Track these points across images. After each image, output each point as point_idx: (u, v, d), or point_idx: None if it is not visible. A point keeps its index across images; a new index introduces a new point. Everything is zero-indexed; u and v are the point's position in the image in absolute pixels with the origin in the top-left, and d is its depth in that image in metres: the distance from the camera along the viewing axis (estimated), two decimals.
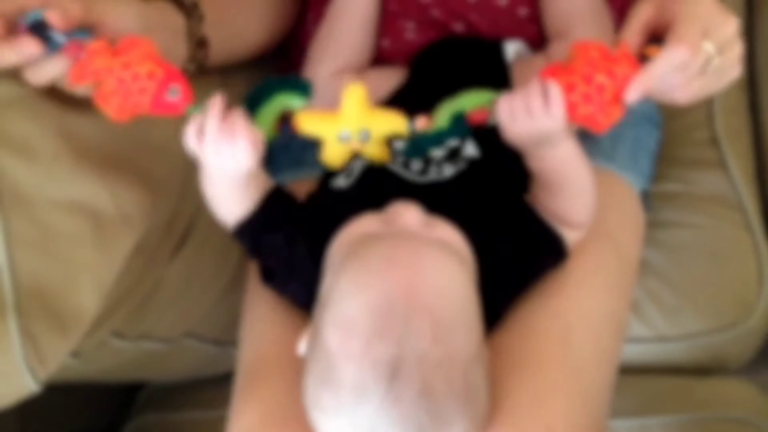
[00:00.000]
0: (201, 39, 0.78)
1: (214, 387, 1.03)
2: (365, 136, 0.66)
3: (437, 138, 0.68)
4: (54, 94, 0.67)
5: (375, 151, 0.68)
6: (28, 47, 0.62)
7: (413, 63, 0.83)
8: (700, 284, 1.00)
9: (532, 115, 0.63)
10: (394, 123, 0.66)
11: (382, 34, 0.86)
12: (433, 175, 0.72)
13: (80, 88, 0.66)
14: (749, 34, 1.11)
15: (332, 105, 0.77)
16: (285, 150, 0.91)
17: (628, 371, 0.99)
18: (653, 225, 0.99)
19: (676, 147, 1.05)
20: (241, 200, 0.70)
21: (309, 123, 0.66)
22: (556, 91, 0.63)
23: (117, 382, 1.09)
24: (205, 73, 0.80)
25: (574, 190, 0.69)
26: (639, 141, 0.92)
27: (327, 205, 0.73)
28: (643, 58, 0.65)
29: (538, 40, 0.84)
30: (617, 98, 0.64)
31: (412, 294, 0.58)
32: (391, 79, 0.81)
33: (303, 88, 0.67)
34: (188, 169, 0.83)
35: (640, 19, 0.66)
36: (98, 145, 0.70)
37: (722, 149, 1.06)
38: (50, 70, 0.64)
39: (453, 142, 0.72)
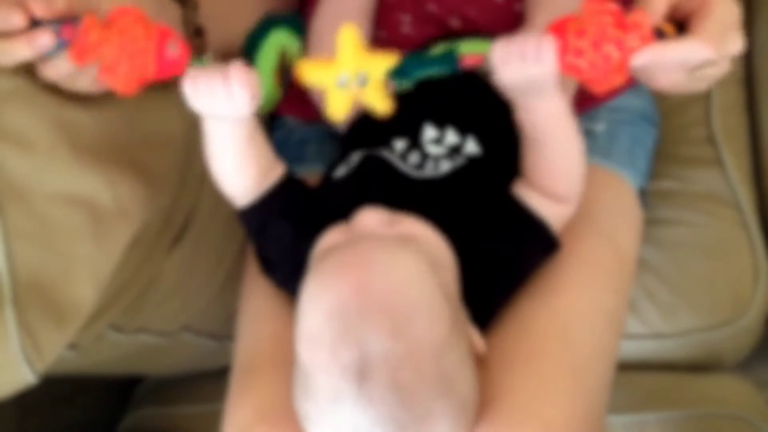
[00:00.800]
0: (198, 28, 0.78)
1: (212, 381, 1.03)
2: (363, 80, 0.66)
3: (425, 64, 0.68)
4: (52, 86, 0.67)
5: (375, 99, 0.67)
6: (42, 41, 0.62)
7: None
8: (696, 282, 1.00)
9: (524, 59, 0.63)
10: (390, 61, 0.66)
11: (378, 26, 0.85)
12: (429, 170, 0.72)
13: (83, 81, 0.66)
14: (747, 32, 1.10)
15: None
16: (283, 145, 0.91)
17: (624, 368, 0.99)
18: (650, 222, 0.99)
19: (673, 145, 1.06)
20: (246, 167, 0.69)
21: (309, 71, 0.66)
22: (550, 42, 0.63)
23: (115, 375, 1.09)
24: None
25: (559, 148, 0.69)
26: (636, 139, 0.92)
27: (326, 196, 0.73)
28: (657, 33, 0.64)
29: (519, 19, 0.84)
30: (623, 67, 0.63)
31: (364, 294, 0.59)
32: None
33: (296, 25, 0.66)
34: (186, 162, 0.84)
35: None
36: (96, 137, 0.70)
37: (719, 147, 1.06)
38: (64, 65, 0.64)
39: (437, 70, 0.70)
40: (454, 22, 0.85)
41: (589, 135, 0.90)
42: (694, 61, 0.63)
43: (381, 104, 0.67)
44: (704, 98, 1.06)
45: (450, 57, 0.67)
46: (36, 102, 0.67)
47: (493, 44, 0.65)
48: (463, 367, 0.62)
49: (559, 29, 0.64)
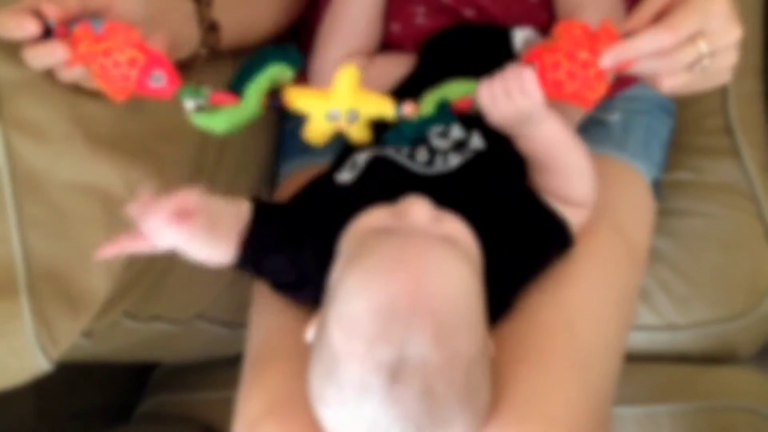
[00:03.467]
0: (212, 23, 0.78)
1: (227, 368, 1.04)
2: (353, 117, 0.68)
3: (422, 125, 0.70)
4: None
5: (359, 133, 0.69)
6: (60, 52, 0.64)
7: (422, 50, 0.83)
8: (711, 273, 1.00)
9: (510, 96, 0.65)
10: (383, 106, 0.68)
11: (391, 19, 0.85)
12: (439, 166, 0.72)
13: (72, 73, 0.67)
14: (765, 23, 1.09)
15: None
16: (293, 137, 0.91)
17: (637, 359, 0.99)
18: (664, 213, 0.98)
19: (688, 135, 1.05)
20: (217, 245, 0.69)
21: (299, 99, 0.67)
22: (529, 72, 0.65)
23: (129, 362, 1.10)
24: (218, 56, 0.80)
25: (566, 167, 0.71)
26: (651, 129, 0.92)
27: (332, 201, 0.72)
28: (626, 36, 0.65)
29: (549, 25, 0.84)
30: (601, 74, 0.65)
31: (416, 298, 0.58)
32: (400, 65, 0.81)
33: (293, 59, 0.67)
34: (199, 153, 0.84)
35: (654, 4, 0.65)
36: (110, 128, 0.71)
37: (735, 137, 1.05)
38: (48, 56, 0.65)
39: (438, 129, 0.73)
40: (468, 12, 0.85)
41: (603, 125, 0.90)
42: (657, 47, 0.63)
43: (363, 139, 0.70)
44: (721, 88, 1.05)
45: (444, 111, 0.69)
46: (51, 93, 0.68)
47: (478, 85, 0.67)
48: (486, 377, 0.63)
49: (534, 55, 0.66)
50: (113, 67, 0.64)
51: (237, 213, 0.70)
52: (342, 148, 0.78)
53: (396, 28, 0.86)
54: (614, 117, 0.90)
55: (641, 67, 0.66)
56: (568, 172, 0.71)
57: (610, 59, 0.64)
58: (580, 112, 0.82)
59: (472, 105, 0.68)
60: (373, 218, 0.66)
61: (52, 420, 1.08)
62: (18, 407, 1.03)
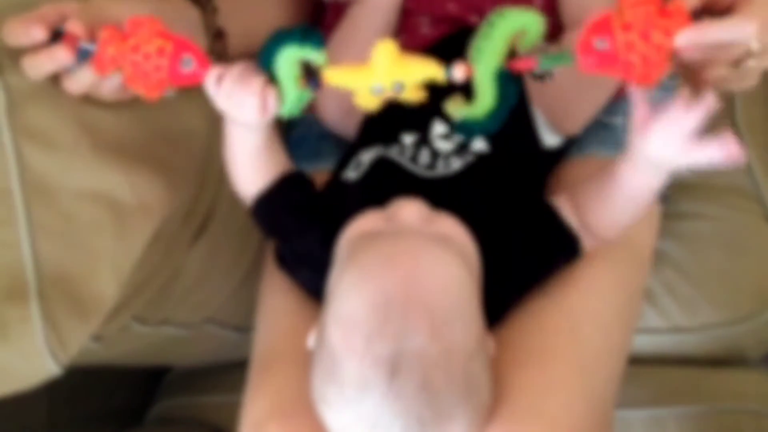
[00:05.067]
0: (218, 31, 0.79)
1: (237, 371, 1.04)
2: (399, 88, 0.64)
3: (496, 116, 0.66)
4: None
5: (412, 96, 0.65)
6: (61, 56, 0.64)
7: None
8: (717, 275, 1.00)
9: (683, 145, 0.60)
10: (430, 71, 0.64)
11: (398, 31, 0.86)
12: (440, 169, 0.73)
13: (105, 89, 0.68)
14: None
15: (347, 107, 0.77)
16: (302, 141, 0.92)
17: (643, 362, 0.99)
18: (670, 216, 0.98)
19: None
20: (257, 170, 0.71)
21: (338, 78, 0.65)
22: (728, 147, 0.60)
23: (140, 366, 1.11)
24: (225, 63, 0.81)
25: (623, 211, 0.69)
26: None
27: (337, 196, 0.74)
28: (696, 18, 0.61)
29: (554, 30, 0.84)
30: (669, 54, 0.60)
31: (410, 291, 0.59)
32: None
33: (314, 38, 0.65)
34: (207, 158, 0.85)
35: None
36: (117, 135, 0.72)
37: (742, 140, 1.04)
38: (85, 77, 0.66)
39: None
40: (474, 19, 0.85)
41: (607, 128, 0.90)
42: (740, 36, 0.60)
43: (419, 99, 0.66)
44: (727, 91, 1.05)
45: (508, 87, 0.64)
46: (59, 101, 0.69)
47: (536, 25, 0.62)
48: (484, 373, 0.63)
49: (603, 25, 0.60)
50: (144, 60, 0.64)
51: (286, 161, 0.73)
52: (347, 147, 0.80)
53: (402, 39, 0.86)
54: (619, 119, 0.90)
55: (697, 55, 0.61)
56: (615, 215, 0.69)
57: (686, 41, 0.59)
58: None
59: (537, 63, 0.62)
60: (364, 222, 0.67)
61: (65, 424, 1.09)
62: (31, 411, 1.04)
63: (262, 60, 0.65)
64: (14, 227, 0.67)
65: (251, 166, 0.71)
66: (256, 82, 0.63)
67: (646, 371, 0.98)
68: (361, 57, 0.82)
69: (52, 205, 0.68)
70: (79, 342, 0.70)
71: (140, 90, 0.66)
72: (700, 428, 0.96)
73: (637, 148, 0.63)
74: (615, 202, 0.68)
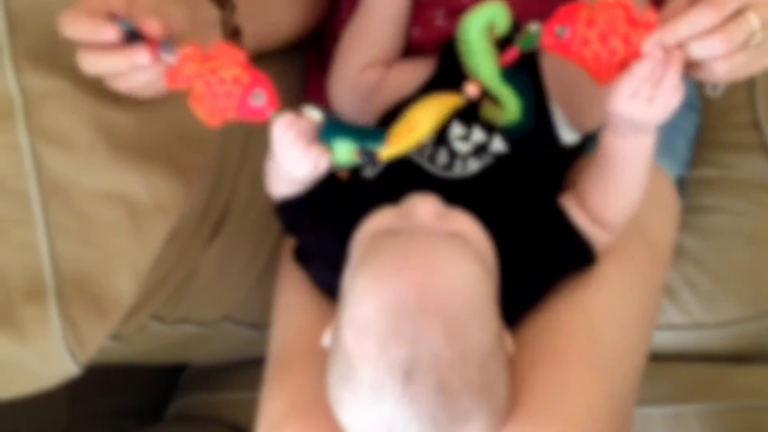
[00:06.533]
0: (235, 28, 0.79)
1: (254, 368, 1.05)
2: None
3: (524, 116, 0.69)
4: (90, 86, 0.69)
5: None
6: (140, 59, 0.63)
7: (443, 52, 0.83)
8: (738, 270, 0.99)
9: (651, 103, 0.62)
10: (453, 104, 0.66)
11: (412, 23, 0.85)
12: (458, 170, 0.72)
13: (150, 92, 0.67)
14: None
15: (361, 97, 0.78)
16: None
17: (664, 358, 0.98)
18: (691, 210, 0.97)
19: (715, 130, 1.03)
20: (293, 187, 0.71)
21: (392, 153, 0.67)
22: (679, 92, 0.62)
23: (157, 364, 1.12)
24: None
25: (625, 182, 0.69)
26: (676, 126, 0.90)
27: (354, 194, 0.74)
28: None
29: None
30: (626, 64, 0.62)
31: (424, 294, 0.59)
32: (420, 70, 0.80)
33: (377, 136, 0.67)
34: (223, 157, 0.85)
35: None
36: (133, 135, 0.72)
37: (763, 132, 1.03)
38: (140, 79, 0.65)
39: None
40: None
41: None
42: (700, 27, 0.60)
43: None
44: (748, 82, 1.04)
45: (526, 98, 0.68)
46: (75, 102, 0.69)
47: (501, 15, 0.65)
48: (502, 373, 0.63)
49: (569, 15, 0.63)
50: (218, 84, 0.65)
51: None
52: None
53: (416, 32, 0.86)
54: None
55: (695, 53, 0.61)
56: (623, 186, 0.69)
57: (652, 46, 0.61)
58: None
59: (519, 47, 0.65)
60: (379, 220, 0.67)
61: (85, 421, 1.10)
62: (52, 409, 1.05)
63: (324, 134, 0.67)
64: (32, 228, 0.67)
65: (288, 184, 0.71)
66: (315, 150, 0.65)
67: (666, 368, 0.97)
68: (374, 50, 0.83)
69: (69, 206, 0.69)
70: (98, 341, 0.71)
71: (202, 113, 0.66)
72: (722, 425, 0.95)
73: (611, 112, 0.64)
74: (614, 178, 0.68)
